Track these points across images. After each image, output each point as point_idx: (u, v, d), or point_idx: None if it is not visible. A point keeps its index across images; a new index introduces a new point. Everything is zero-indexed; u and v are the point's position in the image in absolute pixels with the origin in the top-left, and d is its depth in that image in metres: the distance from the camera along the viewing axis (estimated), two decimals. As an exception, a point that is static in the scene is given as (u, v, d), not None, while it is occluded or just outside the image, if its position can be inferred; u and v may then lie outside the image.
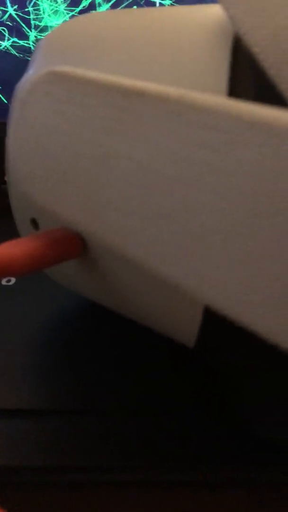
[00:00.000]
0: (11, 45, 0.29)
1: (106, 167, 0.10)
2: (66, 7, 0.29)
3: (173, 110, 0.09)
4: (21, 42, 0.29)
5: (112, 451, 0.14)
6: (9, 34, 0.29)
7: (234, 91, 0.10)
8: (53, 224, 0.14)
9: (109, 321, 0.19)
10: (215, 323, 0.12)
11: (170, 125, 0.09)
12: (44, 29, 0.29)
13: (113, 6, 0.30)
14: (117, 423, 0.15)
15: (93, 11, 0.31)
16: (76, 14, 0.29)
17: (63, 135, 0.12)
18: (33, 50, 0.16)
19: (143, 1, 0.29)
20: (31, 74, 0.15)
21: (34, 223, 0.15)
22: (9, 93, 0.30)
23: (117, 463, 0.14)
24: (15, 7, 0.29)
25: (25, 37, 0.29)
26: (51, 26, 0.29)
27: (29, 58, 0.30)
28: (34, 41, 0.29)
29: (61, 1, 0.29)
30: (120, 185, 0.10)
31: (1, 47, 0.29)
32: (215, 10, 0.12)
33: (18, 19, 0.29)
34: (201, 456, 0.14)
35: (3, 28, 0.29)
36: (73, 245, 0.13)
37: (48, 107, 0.12)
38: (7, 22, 0.29)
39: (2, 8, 0.28)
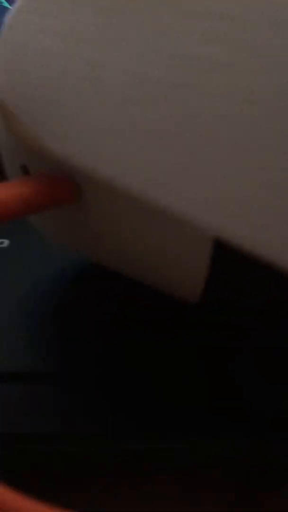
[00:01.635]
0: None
1: (100, 85, 0.09)
2: None
3: (173, 1, 0.08)
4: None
5: (102, 418, 0.13)
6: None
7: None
8: (45, 168, 0.13)
9: (106, 283, 0.18)
10: (224, 268, 0.11)
11: (171, 21, 0.08)
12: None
13: None
14: (106, 390, 0.14)
15: None
16: None
17: (54, 56, 0.10)
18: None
19: None
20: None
21: (25, 170, 0.14)
22: None
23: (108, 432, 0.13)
24: None
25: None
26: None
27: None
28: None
29: None
30: (116, 104, 0.09)
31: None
32: None
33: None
34: (192, 427, 0.13)
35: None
36: (67, 187, 0.12)
37: (38, 27, 0.11)
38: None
39: None
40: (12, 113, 0.12)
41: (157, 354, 0.15)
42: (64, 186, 0.12)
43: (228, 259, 0.10)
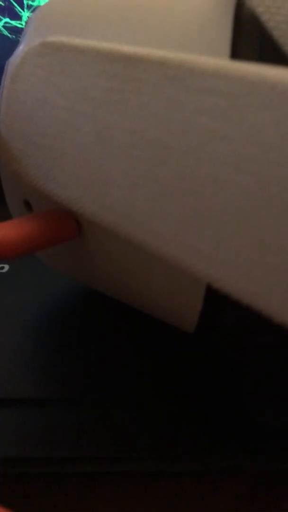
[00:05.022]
0: (3, 26, 0.28)
1: (104, 141, 0.10)
2: (59, -14, 0.28)
3: (174, 75, 0.08)
4: (14, 23, 0.28)
5: (106, 440, 0.13)
6: (1, 15, 0.28)
7: (237, 54, 0.10)
8: (47, 205, 0.14)
9: (107, 308, 0.19)
10: (216, 305, 0.11)
11: (171, 92, 0.09)
12: (37, 9, 0.28)
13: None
14: (112, 413, 0.14)
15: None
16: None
17: (56, 109, 0.11)
18: (25, 24, 0.16)
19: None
20: (22, 48, 0.15)
21: (27, 205, 0.15)
22: (2, 77, 0.29)
23: (114, 453, 0.13)
24: (7, -14, 0.28)
25: (18, 17, 0.28)
26: (44, 7, 0.28)
27: (22, 40, 0.29)
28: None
29: (54, -20, 0.28)
30: (119, 160, 0.10)
31: (-7, 28, 0.28)
32: None
33: (10, -1, 0.28)
34: (200, 445, 0.13)
35: (-6, 8, 0.28)
36: (69, 225, 0.13)
37: (41, 80, 0.12)
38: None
39: (-7, -13, 0.28)
40: (16, 156, 0.13)
41: (161, 373, 0.15)
42: (68, 223, 0.13)
43: (220, 297, 0.11)
